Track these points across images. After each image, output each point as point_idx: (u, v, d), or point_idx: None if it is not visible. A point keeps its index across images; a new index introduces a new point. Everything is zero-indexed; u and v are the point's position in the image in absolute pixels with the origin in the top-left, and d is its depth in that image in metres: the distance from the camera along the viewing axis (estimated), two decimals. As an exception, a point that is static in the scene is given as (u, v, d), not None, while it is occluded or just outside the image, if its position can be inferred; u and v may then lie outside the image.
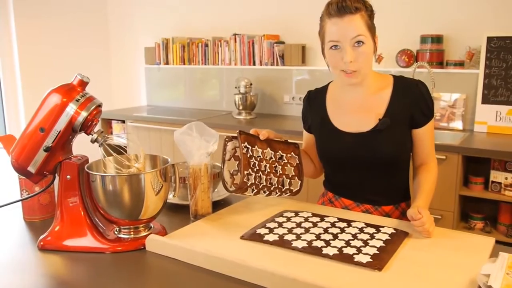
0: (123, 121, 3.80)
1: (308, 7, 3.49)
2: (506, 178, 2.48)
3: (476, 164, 2.63)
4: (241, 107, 3.56)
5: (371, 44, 1.34)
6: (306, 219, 1.29)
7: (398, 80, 1.44)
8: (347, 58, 1.30)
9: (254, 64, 3.70)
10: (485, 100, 2.88)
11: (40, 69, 4.02)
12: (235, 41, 3.73)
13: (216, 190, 1.55)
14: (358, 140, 1.41)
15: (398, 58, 3.16)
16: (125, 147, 1.29)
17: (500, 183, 2.51)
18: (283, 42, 3.63)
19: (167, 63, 4.12)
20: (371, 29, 1.34)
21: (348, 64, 1.31)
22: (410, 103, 1.40)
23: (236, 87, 3.59)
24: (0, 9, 3.85)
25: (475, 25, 2.95)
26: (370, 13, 1.34)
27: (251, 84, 3.56)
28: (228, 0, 3.86)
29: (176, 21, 4.16)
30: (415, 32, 3.13)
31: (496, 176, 2.52)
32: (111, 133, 3.91)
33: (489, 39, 2.85)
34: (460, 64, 2.99)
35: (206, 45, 3.89)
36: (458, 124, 2.98)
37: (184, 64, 4.03)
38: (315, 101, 1.54)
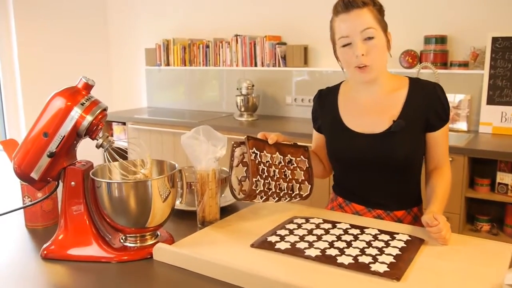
0: (124, 123, 3.76)
1: (310, 8, 3.45)
2: (513, 180, 2.45)
3: (482, 166, 2.59)
4: (243, 109, 3.52)
5: (383, 38, 1.31)
6: (318, 226, 1.25)
7: (414, 82, 1.40)
8: (358, 51, 1.27)
9: (255, 65, 3.66)
10: (490, 101, 2.84)
11: (40, 71, 3.97)
12: (237, 42, 3.68)
13: (223, 195, 1.50)
14: (371, 141, 1.37)
15: (402, 58, 3.12)
16: (126, 149, 1.24)
17: (507, 185, 2.47)
18: (285, 43, 3.59)
19: (168, 64, 4.07)
20: (381, 23, 1.31)
21: (360, 58, 1.28)
22: (426, 105, 1.36)
23: (237, 89, 3.55)
24: (0, 11, 3.80)
25: (479, 26, 2.91)
26: (379, 8, 1.31)
27: (253, 86, 3.52)
28: (229, 1, 3.82)
29: (177, 22, 4.12)
30: (418, 32, 3.09)
31: (503, 177, 2.48)
32: (112, 135, 3.86)
33: (494, 40, 2.81)
34: (465, 65, 2.95)
35: (207, 46, 3.85)
36: (462, 125, 2.94)
37: (185, 65, 3.99)
38: (326, 100, 1.50)
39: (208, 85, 3.99)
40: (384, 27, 1.32)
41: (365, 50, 1.27)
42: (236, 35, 3.68)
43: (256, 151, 1.26)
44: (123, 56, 4.49)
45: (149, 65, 4.18)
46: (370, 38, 1.28)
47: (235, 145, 1.31)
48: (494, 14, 2.86)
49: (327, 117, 1.48)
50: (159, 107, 4.27)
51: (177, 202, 1.26)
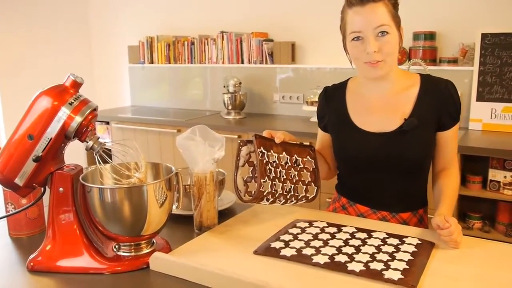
0: (107, 123, 3.64)
1: (297, 4, 3.38)
2: (505, 177, 2.43)
3: (473, 163, 2.57)
4: (230, 107, 3.44)
5: (396, 35, 1.25)
6: (322, 230, 1.19)
7: (426, 79, 1.34)
8: (371, 49, 1.21)
9: (242, 62, 3.58)
10: (480, 98, 2.82)
11: (20, 70, 3.81)
12: (223, 39, 3.60)
13: (219, 198, 1.43)
14: (382, 140, 1.31)
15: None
16: (119, 151, 1.15)
17: (499, 182, 2.45)
18: (272, 40, 3.52)
19: (151, 62, 3.96)
20: (396, 18, 1.25)
21: (372, 55, 1.21)
22: (438, 103, 1.30)
23: (224, 86, 3.46)
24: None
25: (468, 22, 2.89)
26: (394, 2, 1.25)
27: (240, 83, 3.44)
28: (214, -4, 3.74)
29: (160, 18, 4.01)
30: (407, 28, 3.05)
31: (495, 174, 2.46)
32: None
33: (484, 36, 2.79)
34: (454, 61, 2.93)
35: (193, 43, 3.75)
36: (452, 122, 2.92)
37: (169, 63, 3.88)
38: (333, 98, 1.44)
39: (193, 83, 3.89)
40: (398, 22, 1.26)
41: (377, 47, 1.21)
42: (222, 32, 3.60)
43: (263, 151, 1.18)
44: (106, 54, 4.35)
45: (132, 62, 4.06)
46: (383, 34, 1.21)
47: (241, 144, 1.24)
48: (483, 10, 2.84)
49: (335, 115, 1.42)
50: (143, 105, 4.16)
51: (174, 207, 1.18)
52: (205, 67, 3.78)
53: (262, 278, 0.92)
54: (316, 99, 3.29)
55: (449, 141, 1.34)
